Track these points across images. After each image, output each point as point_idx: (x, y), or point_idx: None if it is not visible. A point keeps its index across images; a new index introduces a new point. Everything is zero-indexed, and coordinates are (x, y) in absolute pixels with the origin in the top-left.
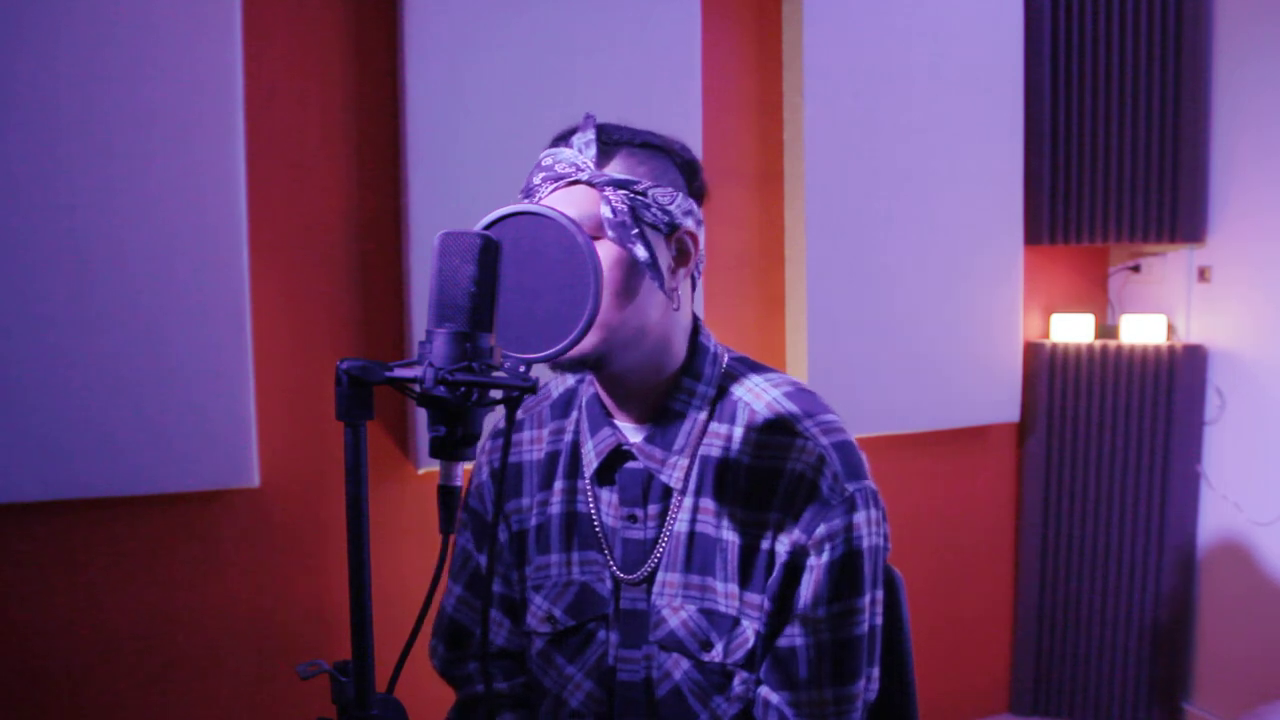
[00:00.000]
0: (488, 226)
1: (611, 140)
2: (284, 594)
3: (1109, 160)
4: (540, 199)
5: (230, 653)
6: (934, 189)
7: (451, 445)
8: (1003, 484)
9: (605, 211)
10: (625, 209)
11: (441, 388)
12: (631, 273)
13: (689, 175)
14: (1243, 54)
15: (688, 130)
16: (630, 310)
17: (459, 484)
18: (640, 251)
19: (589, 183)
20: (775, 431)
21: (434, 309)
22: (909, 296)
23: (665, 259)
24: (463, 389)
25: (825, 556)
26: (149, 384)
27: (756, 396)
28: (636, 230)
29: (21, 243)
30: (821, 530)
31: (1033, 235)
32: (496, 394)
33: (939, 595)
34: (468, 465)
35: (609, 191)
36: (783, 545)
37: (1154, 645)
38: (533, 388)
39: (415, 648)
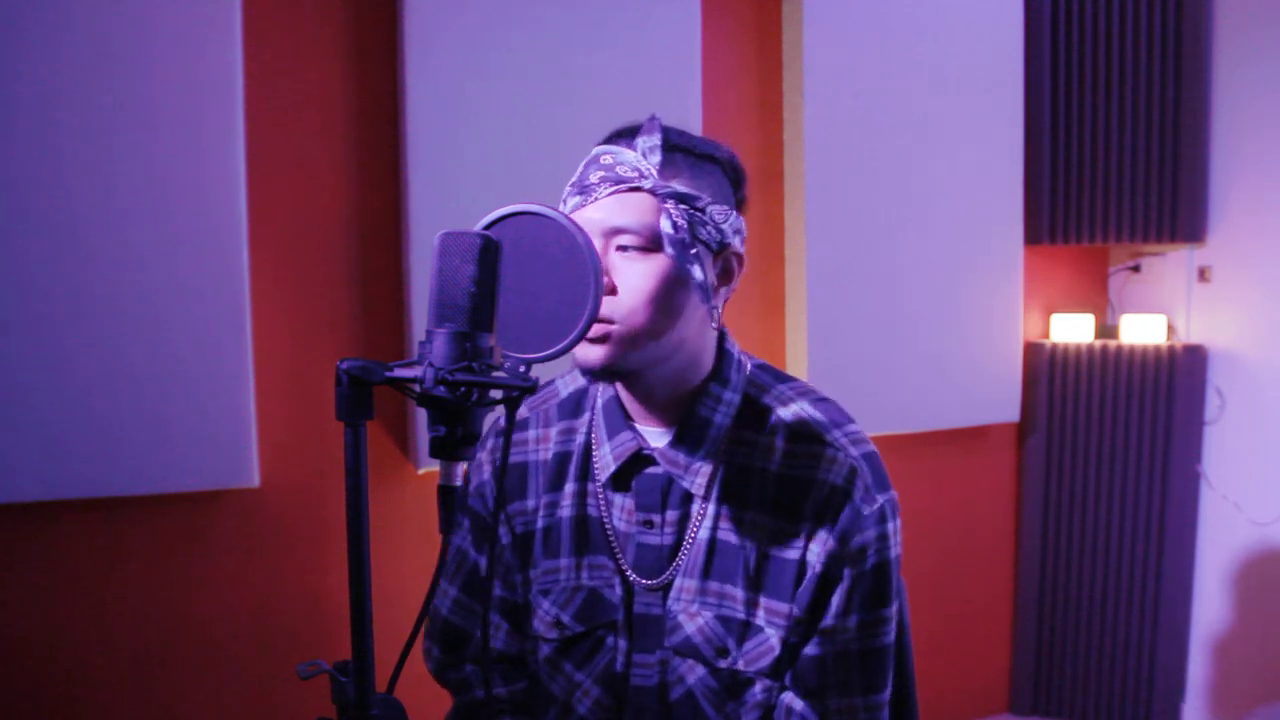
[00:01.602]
0: (488, 226)
1: (675, 147)
2: (284, 594)
3: (1109, 160)
4: (597, 199)
5: (230, 653)
6: (934, 189)
7: (451, 445)
8: (1003, 484)
9: (665, 226)
10: (685, 225)
11: (441, 388)
12: (679, 289)
13: (735, 185)
14: (1243, 54)
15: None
16: (672, 326)
17: (459, 484)
18: (697, 272)
19: (652, 192)
20: (805, 441)
21: (434, 309)
22: (909, 296)
23: (710, 277)
24: (463, 389)
25: (859, 567)
26: (149, 384)
27: (783, 405)
28: (695, 249)
29: (22, 242)
30: (857, 541)
31: (1033, 235)
32: (496, 394)
33: (939, 595)
34: (468, 465)
35: (670, 205)
36: (815, 555)
37: (1153, 645)
38: (533, 388)
39: (416, 647)
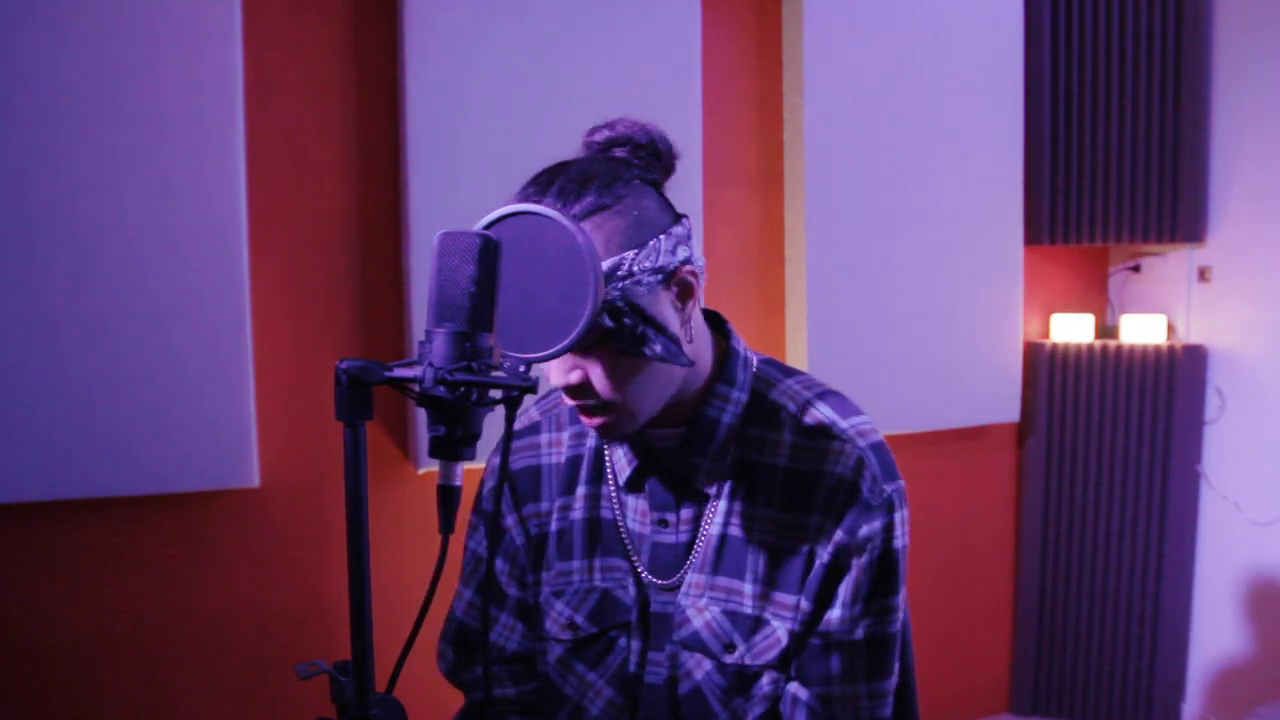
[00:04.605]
0: (487, 226)
1: (582, 217)
2: (284, 594)
3: (1109, 160)
4: None
5: (230, 653)
6: (934, 189)
7: (451, 445)
8: (1003, 484)
9: (607, 323)
10: (624, 304)
11: (441, 388)
12: (648, 362)
13: (656, 172)
14: (1243, 54)
15: (688, 130)
16: (661, 380)
17: (459, 484)
18: (656, 349)
19: None
20: (813, 435)
21: (433, 309)
22: (909, 296)
23: (671, 305)
24: (462, 389)
25: (866, 557)
26: (149, 384)
27: (791, 400)
28: (643, 328)
29: (22, 242)
30: (864, 531)
31: (1033, 235)
32: (496, 394)
33: (939, 595)
34: (468, 465)
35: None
36: (824, 547)
37: (1153, 645)
38: (532, 387)
39: (415, 648)
